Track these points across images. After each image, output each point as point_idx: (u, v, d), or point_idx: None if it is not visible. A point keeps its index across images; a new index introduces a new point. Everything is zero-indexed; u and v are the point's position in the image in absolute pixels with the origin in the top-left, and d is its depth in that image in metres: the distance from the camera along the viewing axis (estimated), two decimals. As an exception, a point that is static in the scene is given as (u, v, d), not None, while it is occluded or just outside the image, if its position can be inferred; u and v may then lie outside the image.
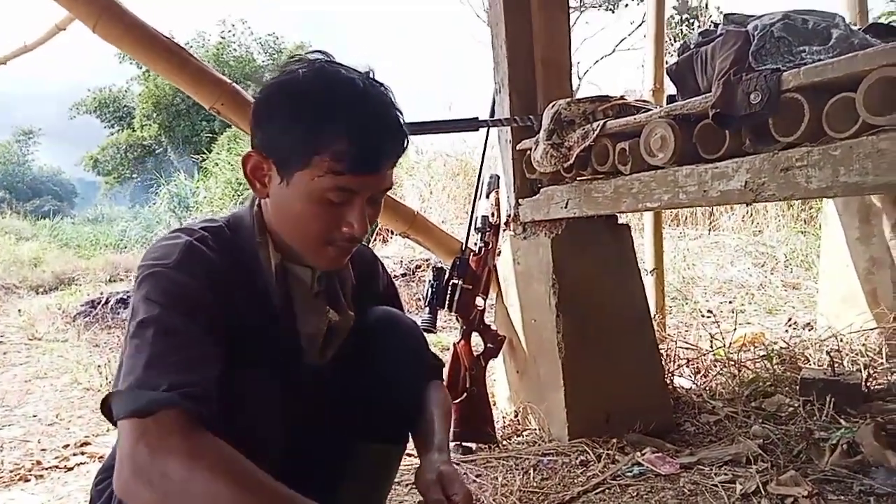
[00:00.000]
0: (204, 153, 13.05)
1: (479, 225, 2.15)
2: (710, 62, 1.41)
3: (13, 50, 3.89)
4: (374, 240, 8.98)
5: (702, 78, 1.45)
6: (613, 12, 15.08)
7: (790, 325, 3.03)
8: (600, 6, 14.98)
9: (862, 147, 1.12)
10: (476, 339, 2.11)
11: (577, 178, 1.82)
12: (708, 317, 3.60)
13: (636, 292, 2.00)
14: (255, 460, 0.79)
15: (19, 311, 5.53)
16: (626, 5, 15.28)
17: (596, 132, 1.68)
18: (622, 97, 1.77)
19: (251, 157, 0.94)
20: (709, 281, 4.22)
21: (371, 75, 0.94)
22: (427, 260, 6.36)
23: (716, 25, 1.55)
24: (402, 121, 0.93)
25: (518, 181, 2.08)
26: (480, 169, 2.26)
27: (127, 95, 21.69)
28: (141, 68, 18.37)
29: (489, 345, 2.09)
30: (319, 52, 0.96)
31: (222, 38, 19.55)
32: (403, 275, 6.18)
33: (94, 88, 22.05)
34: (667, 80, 2.84)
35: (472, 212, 2.19)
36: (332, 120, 0.87)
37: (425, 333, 2.03)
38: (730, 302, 3.79)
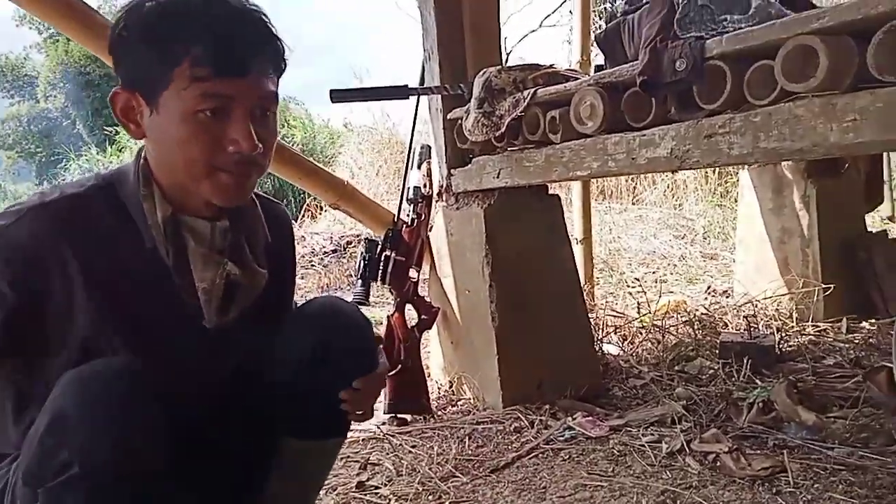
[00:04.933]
0: (116, 125, 12.32)
1: (410, 196, 2.11)
2: (636, 30, 1.43)
3: None
4: (303, 216, 8.81)
5: (629, 46, 1.46)
6: (541, -12, 15.27)
7: (709, 293, 3.18)
8: (528, -19, 15.13)
9: (780, 114, 1.16)
10: (410, 311, 2.09)
11: (509, 148, 1.82)
12: (633, 286, 3.74)
13: (567, 261, 2.03)
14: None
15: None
16: (553, -19, 15.48)
17: (527, 100, 1.68)
18: (552, 66, 1.77)
19: (118, 96, 0.87)
20: (633, 252, 4.37)
21: None
22: (357, 236, 6.28)
23: (642, -7, 1.56)
24: (267, 21, 0.88)
25: (449, 151, 2.06)
26: (411, 139, 2.22)
27: (27, 63, 20.19)
28: (41, 34, 17.11)
29: (423, 316, 2.07)
30: None
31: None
32: (333, 251, 6.08)
33: (-9, 55, 20.39)
34: (594, 52, 2.88)
35: (404, 183, 2.15)
36: (186, 26, 0.82)
37: (359, 306, 2.00)
38: (653, 272, 3.93)
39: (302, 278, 5.23)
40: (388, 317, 2.05)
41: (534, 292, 1.95)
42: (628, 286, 3.74)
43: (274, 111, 0.90)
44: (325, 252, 5.87)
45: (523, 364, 1.91)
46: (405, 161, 2.18)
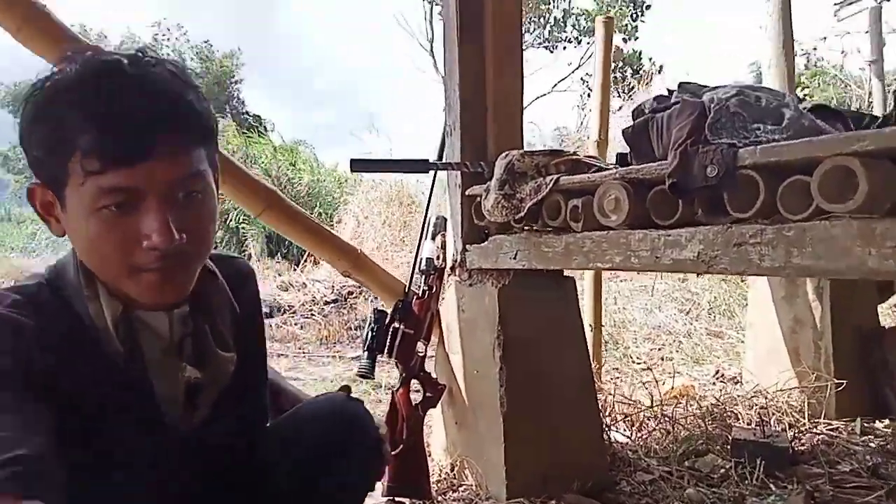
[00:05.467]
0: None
1: (423, 267, 2.08)
2: (665, 130, 1.42)
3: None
4: (305, 261, 8.77)
5: (657, 144, 1.45)
6: (552, 52, 15.73)
7: (718, 378, 3.11)
8: (539, 45, 15.54)
9: (815, 231, 1.14)
10: (415, 385, 2.03)
11: (528, 228, 1.79)
12: (638, 362, 3.67)
13: (580, 347, 1.98)
14: None
15: None
16: (564, 48, 15.96)
17: (549, 187, 1.66)
18: (575, 153, 1.76)
19: (35, 191, 0.79)
20: (638, 325, 4.31)
21: (145, 53, 0.77)
22: (360, 286, 6.23)
23: (670, 92, 1.57)
24: (177, 86, 0.77)
25: (466, 226, 2.03)
26: (427, 209, 2.20)
27: (47, 92, 20.65)
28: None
29: (428, 394, 2.01)
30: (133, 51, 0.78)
31: (154, 39, 18.97)
32: (335, 300, 6.02)
33: (8, 83, 20.88)
34: (611, 131, 2.90)
35: (417, 253, 2.12)
36: (74, 111, 0.72)
37: (363, 379, 1.93)
38: (659, 349, 3.87)
39: (301, 328, 5.16)
40: (392, 392, 1.99)
41: (545, 378, 1.89)
42: (634, 362, 3.68)
43: (201, 189, 0.80)
44: (326, 301, 5.81)
45: (530, 454, 1.83)
46: (419, 226, 2.15)
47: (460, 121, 1.98)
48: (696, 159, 1.29)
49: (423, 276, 2.08)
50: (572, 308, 1.98)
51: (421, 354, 2.02)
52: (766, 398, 2.60)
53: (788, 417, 2.43)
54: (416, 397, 2.00)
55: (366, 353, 1.98)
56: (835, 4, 5.49)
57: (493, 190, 1.77)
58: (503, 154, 1.77)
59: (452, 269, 2.09)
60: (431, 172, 2.14)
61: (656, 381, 2.61)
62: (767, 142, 1.24)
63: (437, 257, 2.11)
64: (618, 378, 3.19)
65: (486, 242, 1.94)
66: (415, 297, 2.05)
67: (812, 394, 2.59)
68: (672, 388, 2.78)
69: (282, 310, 5.66)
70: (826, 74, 9.04)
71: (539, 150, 1.75)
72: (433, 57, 17.83)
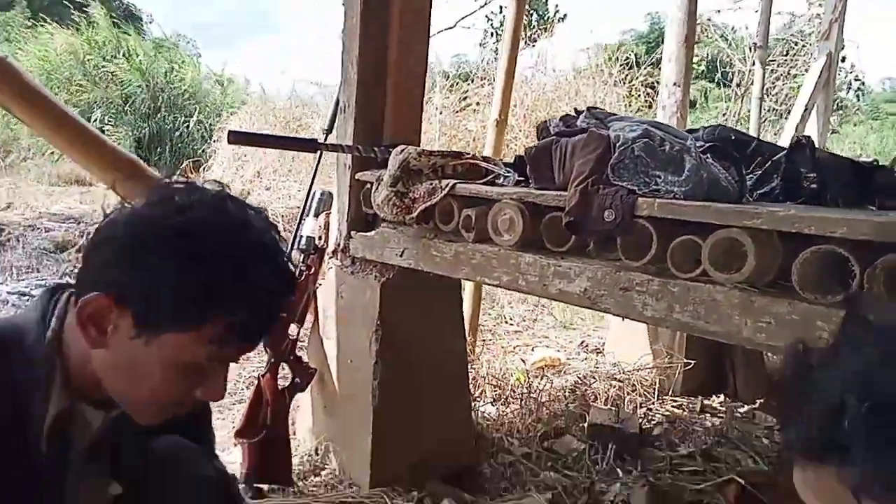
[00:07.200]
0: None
1: (302, 245, 1.96)
2: (568, 159, 1.38)
3: None
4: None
5: (558, 170, 1.41)
6: (459, -15, 15.14)
7: (583, 348, 3.29)
8: (446, -24, 14.94)
9: (698, 292, 1.17)
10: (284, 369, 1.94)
11: (418, 224, 1.71)
12: (511, 324, 3.81)
13: (457, 344, 1.98)
14: None
15: None
16: (473, -17, 15.43)
17: (444, 191, 1.58)
18: (474, 156, 1.69)
19: (94, 303, 0.75)
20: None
21: (265, 215, 0.82)
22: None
23: (577, 112, 1.52)
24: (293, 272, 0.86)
25: (353, 211, 1.91)
26: (311, 182, 2.05)
27: None
28: None
29: (297, 380, 1.93)
30: (215, 182, 0.82)
31: None
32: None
33: None
34: (513, 113, 2.84)
35: (297, 229, 1.98)
36: (240, 284, 0.75)
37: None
38: (532, 309, 4.02)
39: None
40: (258, 377, 1.89)
41: (419, 374, 1.88)
42: (507, 323, 3.81)
43: None
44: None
45: (398, 445, 1.84)
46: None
47: (356, 100, 1.82)
48: (595, 200, 1.27)
49: (302, 256, 1.96)
50: (454, 306, 1.96)
51: (293, 338, 1.93)
52: (623, 373, 2.80)
53: (640, 397, 2.64)
54: (284, 380, 1.93)
55: (235, 337, 1.85)
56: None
57: (385, 186, 1.66)
58: (399, 148, 1.66)
59: (334, 252, 1.98)
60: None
61: (523, 361, 2.72)
62: (667, 192, 1.24)
63: (319, 237, 1.99)
64: (491, 341, 3.30)
65: (373, 232, 1.85)
66: (292, 276, 1.93)
67: (663, 371, 2.82)
68: (541, 360, 2.91)
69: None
70: (715, 33, 9.48)
71: (437, 150, 1.66)
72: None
